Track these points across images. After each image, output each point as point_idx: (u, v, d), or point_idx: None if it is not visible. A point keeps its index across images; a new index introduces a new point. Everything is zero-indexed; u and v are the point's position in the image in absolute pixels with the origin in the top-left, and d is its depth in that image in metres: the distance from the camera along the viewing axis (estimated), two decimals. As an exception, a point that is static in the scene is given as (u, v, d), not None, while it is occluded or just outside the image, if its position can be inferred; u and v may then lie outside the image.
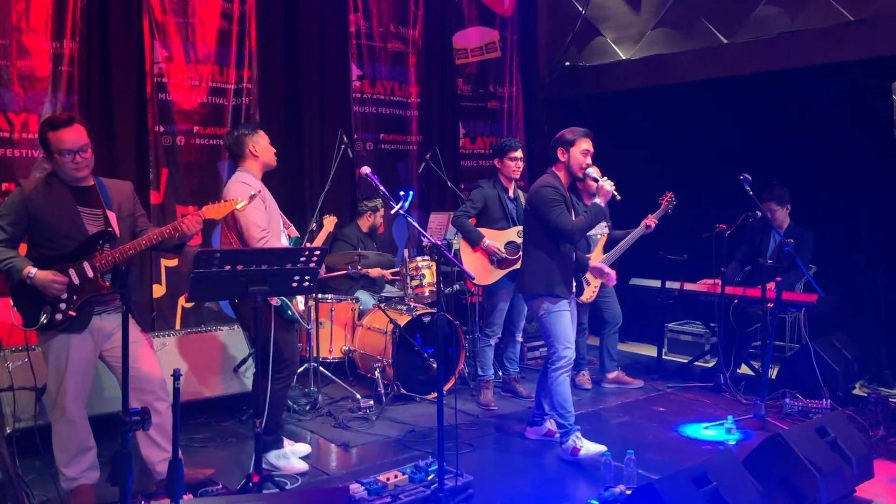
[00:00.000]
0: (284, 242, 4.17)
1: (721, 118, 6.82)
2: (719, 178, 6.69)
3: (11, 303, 3.44)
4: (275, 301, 3.91)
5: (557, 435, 4.40)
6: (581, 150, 4.28)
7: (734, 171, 5.20)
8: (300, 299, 4.24)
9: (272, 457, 4.12)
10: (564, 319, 4.31)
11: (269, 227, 4.02)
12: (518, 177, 5.44)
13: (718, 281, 5.69)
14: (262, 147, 4.15)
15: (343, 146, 5.68)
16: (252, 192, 3.78)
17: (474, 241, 5.22)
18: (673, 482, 3.07)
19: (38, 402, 4.11)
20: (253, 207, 3.84)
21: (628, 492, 3.55)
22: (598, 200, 4.23)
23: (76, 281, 3.39)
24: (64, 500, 3.57)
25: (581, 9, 7.85)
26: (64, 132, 3.38)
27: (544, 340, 4.44)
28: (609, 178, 4.24)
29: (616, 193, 4.20)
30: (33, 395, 4.09)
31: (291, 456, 4.18)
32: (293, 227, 4.38)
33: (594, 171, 4.28)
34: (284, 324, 4.08)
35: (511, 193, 5.40)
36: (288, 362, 4.12)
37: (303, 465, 4.13)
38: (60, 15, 5.26)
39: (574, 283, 4.40)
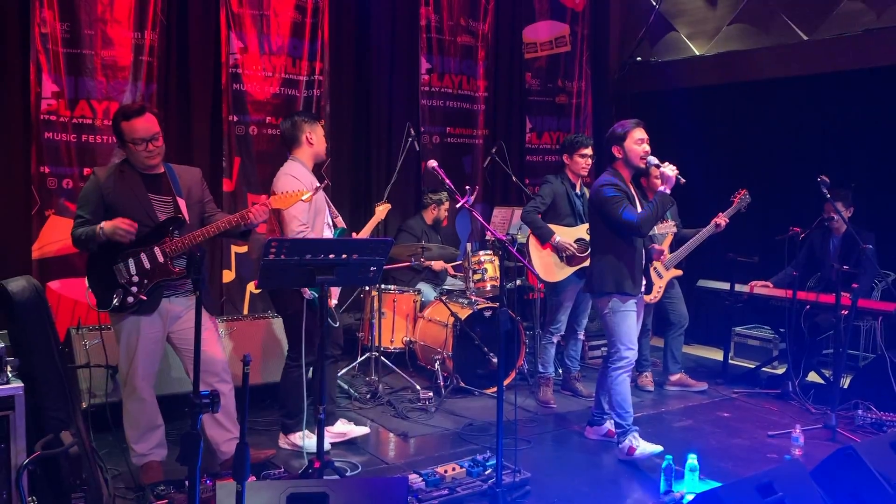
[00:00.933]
0: (328, 235, 4.23)
1: (799, 118, 6.60)
2: (794, 179, 6.50)
3: (87, 284, 3.59)
4: (307, 294, 3.99)
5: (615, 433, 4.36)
6: (635, 141, 4.18)
7: (810, 172, 5.04)
8: (335, 295, 4.32)
9: (296, 437, 4.28)
10: (629, 320, 4.24)
11: (313, 222, 4.09)
12: (586, 174, 5.38)
13: (769, 283, 5.70)
14: (318, 137, 4.22)
15: (410, 139, 5.72)
16: (317, 185, 3.87)
17: (544, 237, 5.17)
18: (736, 489, 2.99)
19: (109, 380, 4.27)
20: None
21: (689, 497, 3.49)
22: (662, 188, 4.10)
23: (147, 265, 3.51)
24: (134, 475, 3.71)
25: (655, 3, 7.70)
26: (136, 121, 3.49)
27: (607, 339, 4.38)
28: (679, 174, 4.10)
29: (680, 177, 4.06)
30: (107, 372, 4.26)
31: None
32: (340, 218, 4.44)
33: (654, 159, 4.17)
34: (315, 315, 4.11)
35: (578, 190, 5.34)
36: (333, 346, 4.28)
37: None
38: (142, 7, 5.45)
39: (644, 281, 4.32)
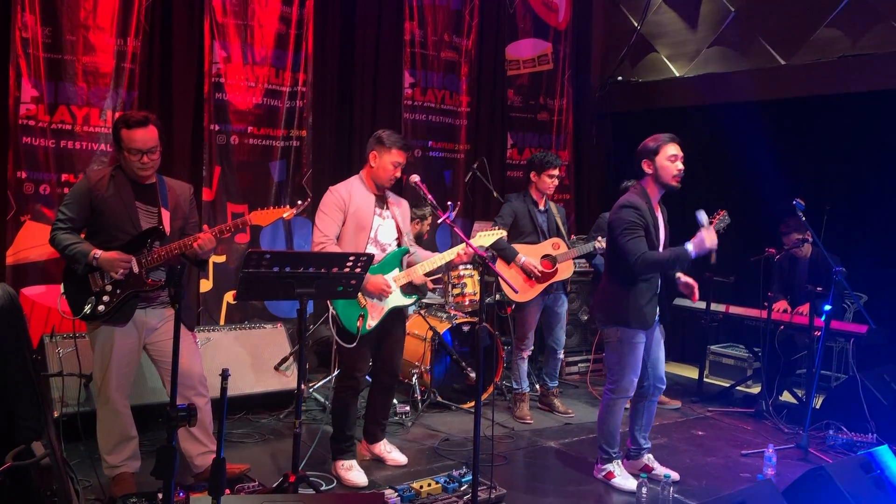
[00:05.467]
0: (371, 251, 4.03)
1: (775, 140, 6.70)
2: (770, 200, 6.58)
3: (61, 290, 3.57)
4: (332, 311, 3.94)
5: (653, 469, 4.25)
6: (668, 157, 3.92)
7: (787, 194, 5.12)
8: (374, 316, 4.06)
9: (338, 466, 4.11)
10: (636, 352, 3.98)
11: (354, 238, 4.00)
12: (552, 193, 5.40)
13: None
14: (380, 162, 4.07)
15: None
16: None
17: (509, 258, 5.15)
18: (710, 509, 3.02)
19: (82, 389, 4.22)
20: (322, 213, 3.97)
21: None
22: (689, 247, 3.76)
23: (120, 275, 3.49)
24: (105, 487, 3.66)
25: (636, 24, 7.81)
26: (136, 132, 3.49)
27: (607, 367, 4.14)
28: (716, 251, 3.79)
29: (714, 254, 3.78)
30: (80, 381, 4.21)
31: (355, 468, 4.10)
32: (407, 238, 4.28)
33: (705, 217, 3.83)
34: (345, 336, 3.99)
35: (542, 206, 5.36)
36: (346, 376, 4.09)
37: (363, 480, 4.03)
38: (126, 13, 5.41)
39: (657, 312, 4.05)
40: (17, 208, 5.11)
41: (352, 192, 4.06)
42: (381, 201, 4.17)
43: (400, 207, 4.28)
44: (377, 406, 4.34)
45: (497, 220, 5.27)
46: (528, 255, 5.18)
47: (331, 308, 3.96)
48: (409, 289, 4.19)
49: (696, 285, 4.10)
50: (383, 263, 4.11)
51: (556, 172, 5.25)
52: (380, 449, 4.36)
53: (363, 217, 4.06)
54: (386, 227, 4.17)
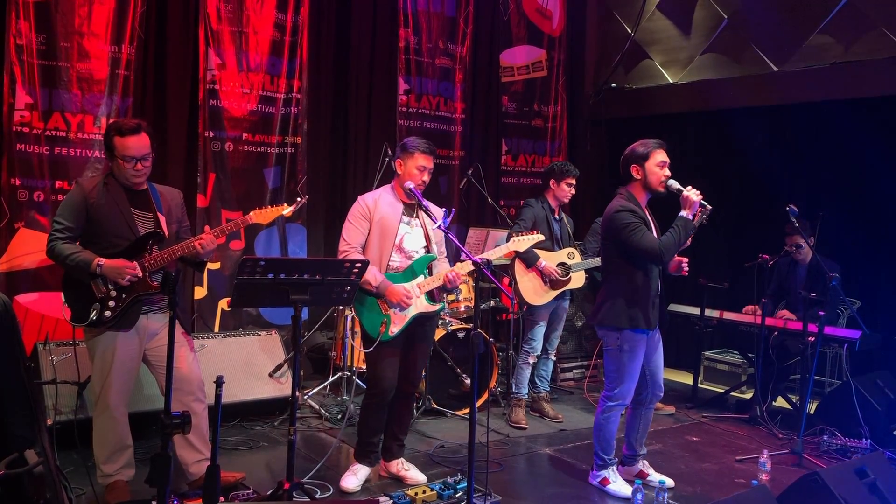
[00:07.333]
0: (396, 259, 4.01)
1: (768, 147, 6.74)
2: (764, 207, 6.62)
3: (63, 298, 3.54)
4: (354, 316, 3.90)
5: (648, 475, 4.28)
6: (657, 163, 3.95)
7: (779, 200, 5.14)
8: (397, 324, 3.97)
9: (354, 469, 4.09)
10: (636, 359, 4.00)
11: (379, 244, 3.95)
12: (567, 202, 5.45)
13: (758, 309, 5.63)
14: (406, 167, 3.99)
15: (387, 159, 5.73)
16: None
17: (530, 262, 5.20)
18: (705, 516, 3.02)
19: (78, 397, 4.20)
20: (348, 223, 3.96)
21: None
22: (684, 213, 3.86)
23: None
24: (99, 495, 3.63)
25: (630, 31, 7.84)
26: (129, 139, 3.49)
27: (606, 374, 4.12)
28: (704, 198, 3.88)
29: (705, 203, 3.87)
30: (75, 389, 4.18)
31: (350, 474, 4.08)
32: (433, 246, 4.17)
33: (676, 183, 3.93)
34: (366, 341, 3.95)
35: (557, 215, 5.41)
36: (370, 384, 4.01)
37: (356, 486, 4.03)
38: (120, 20, 5.42)
39: (657, 314, 4.07)
40: (11, 215, 5.10)
41: (378, 201, 4.00)
42: (411, 210, 4.09)
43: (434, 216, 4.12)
44: (395, 417, 4.20)
45: (519, 222, 5.27)
46: (547, 261, 5.23)
47: (352, 313, 3.93)
48: (438, 295, 4.13)
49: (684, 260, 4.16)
50: (407, 271, 4.04)
51: (573, 181, 5.35)
52: (397, 467, 4.21)
53: (388, 225, 4.00)
54: (413, 236, 4.09)
